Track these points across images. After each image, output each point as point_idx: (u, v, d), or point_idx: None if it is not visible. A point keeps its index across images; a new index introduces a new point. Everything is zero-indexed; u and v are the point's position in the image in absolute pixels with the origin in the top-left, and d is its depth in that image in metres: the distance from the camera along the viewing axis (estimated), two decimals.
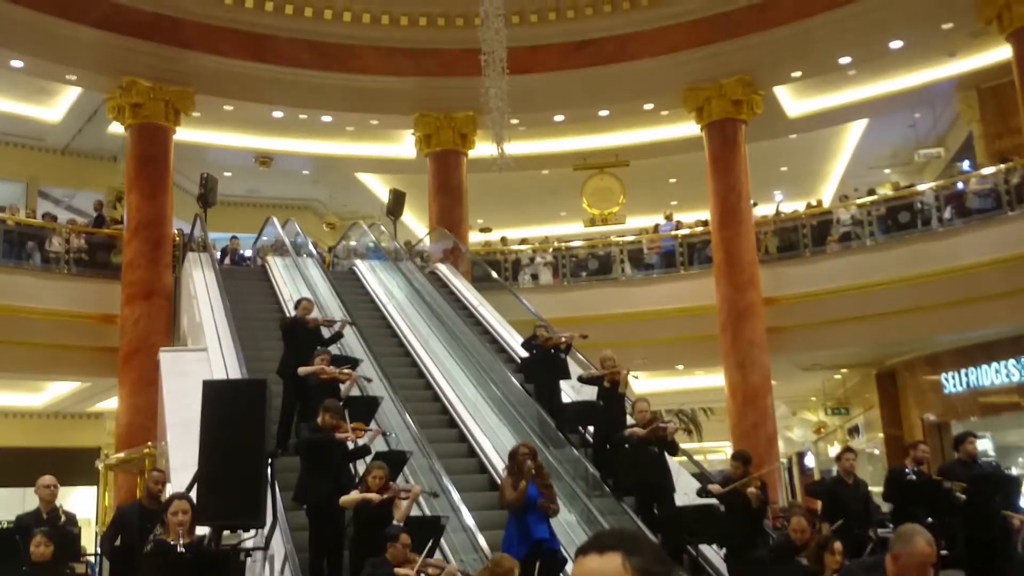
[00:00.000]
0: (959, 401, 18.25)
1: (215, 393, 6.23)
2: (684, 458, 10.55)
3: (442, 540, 8.14)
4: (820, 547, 6.83)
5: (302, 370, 9.78)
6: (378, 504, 7.59)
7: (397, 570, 6.80)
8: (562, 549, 7.96)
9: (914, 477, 8.92)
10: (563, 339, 11.66)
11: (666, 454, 9.65)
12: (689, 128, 18.85)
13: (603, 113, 19.45)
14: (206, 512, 5.95)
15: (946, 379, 18.40)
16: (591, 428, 11.20)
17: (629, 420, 11.00)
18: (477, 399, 11.84)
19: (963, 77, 18.42)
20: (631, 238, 20.59)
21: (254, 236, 18.91)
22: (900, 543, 3.83)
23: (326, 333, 11.19)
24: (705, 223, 19.40)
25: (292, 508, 8.38)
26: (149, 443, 13.40)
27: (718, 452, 20.83)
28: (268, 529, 6.38)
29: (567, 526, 9.08)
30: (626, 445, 9.52)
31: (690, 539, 9.12)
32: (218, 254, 17.49)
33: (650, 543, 1.54)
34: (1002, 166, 16.43)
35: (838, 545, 6.72)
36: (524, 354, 12.14)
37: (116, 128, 18.26)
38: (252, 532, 6.16)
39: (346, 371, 9.88)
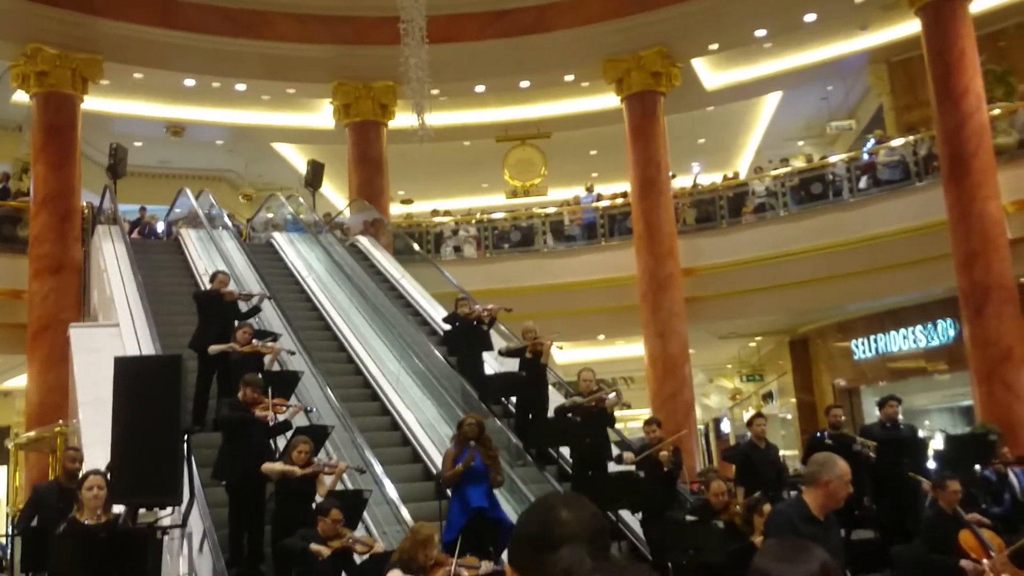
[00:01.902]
0: (868, 367, 18.89)
1: (128, 369, 6.08)
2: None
3: (365, 513, 8.13)
4: (750, 509, 7.04)
5: (212, 349, 9.58)
6: (299, 478, 7.52)
7: (331, 544, 6.78)
8: (506, 516, 8.00)
9: (830, 441, 9.21)
10: (486, 312, 11.67)
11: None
12: (609, 100, 18.95)
13: (524, 84, 19.41)
14: (121, 490, 5.82)
15: (856, 345, 19.01)
16: (514, 399, 11.26)
17: (551, 391, 11.11)
18: (400, 372, 11.81)
19: (874, 50, 18.90)
20: (553, 210, 20.67)
21: (166, 208, 18.45)
22: (827, 470, 4.16)
23: (243, 307, 11.00)
24: (625, 195, 19.58)
25: (210, 484, 8.25)
26: (61, 421, 13.04)
27: (637, 420, 21.18)
28: (185, 506, 6.26)
29: (498, 494, 9.10)
30: (569, 414, 9.60)
31: (611, 505, 9.28)
32: (129, 227, 17.04)
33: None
34: (911, 137, 16.95)
35: (767, 507, 6.93)
36: (447, 327, 12.14)
37: (21, 97, 17.54)
38: (169, 510, 6.04)
39: (269, 344, 9.73)
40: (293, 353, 10.54)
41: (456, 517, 7.76)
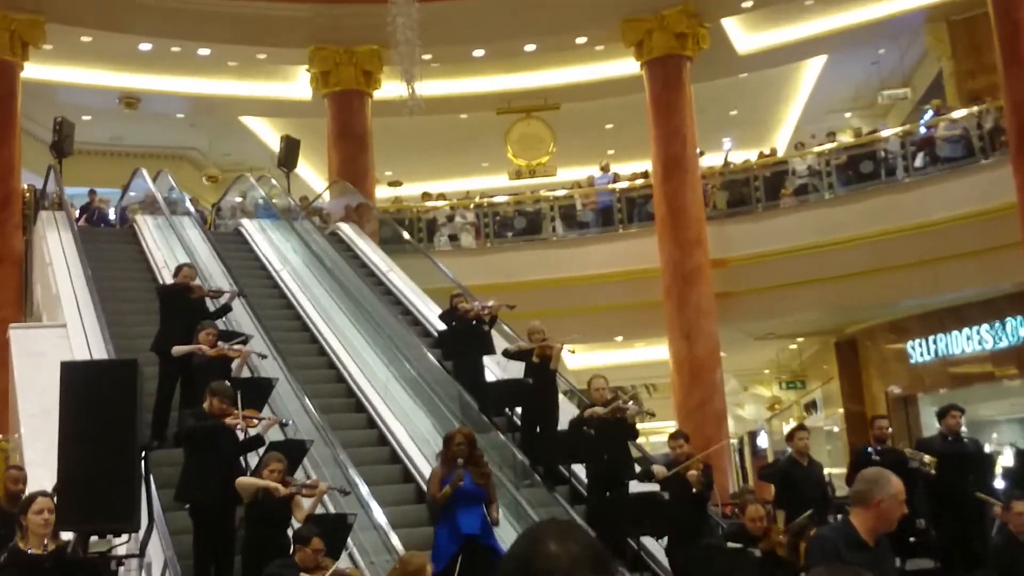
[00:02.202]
0: (926, 371, 18.87)
1: (76, 376, 6.08)
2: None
3: (349, 540, 8.14)
4: (796, 535, 7.05)
5: (176, 350, 9.60)
6: (275, 500, 7.52)
7: None
8: (500, 544, 8.02)
9: (877, 457, 9.20)
10: (486, 309, 11.67)
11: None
12: (628, 66, 18.93)
13: (530, 48, 19.40)
14: (69, 515, 5.83)
15: (912, 347, 19.00)
16: (519, 410, 11.27)
17: (562, 400, 11.12)
18: (388, 379, 11.82)
19: (933, 7, 18.84)
20: (563, 192, 20.67)
21: (119, 192, 18.46)
22: (879, 488, 4.16)
23: (212, 307, 11.03)
24: (646, 175, 19.58)
25: (172, 508, 8.26)
26: (0, 435, 13.06)
27: (661, 433, 21.20)
28: (143, 533, 6.27)
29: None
30: (585, 427, 9.60)
31: (631, 530, 9.29)
32: (77, 213, 17.04)
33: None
34: (974, 108, 16.92)
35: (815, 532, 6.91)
36: (442, 327, 12.14)
37: None
38: (124, 537, 6.05)
39: (236, 347, 9.74)
40: (265, 357, 10.56)
41: (445, 545, 7.76)
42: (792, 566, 6.94)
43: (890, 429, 10.09)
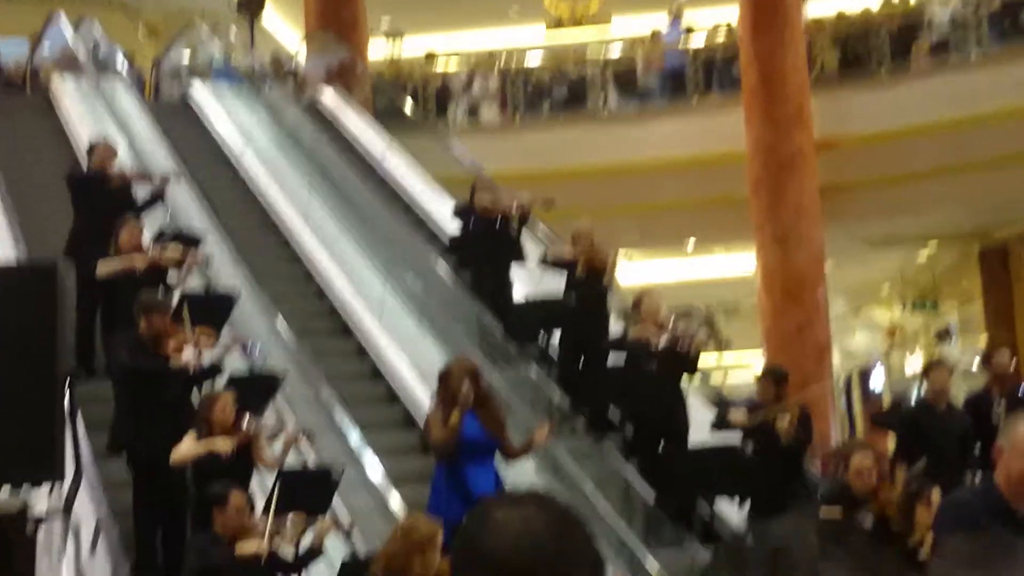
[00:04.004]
0: None
1: None
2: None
3: (337, 500, 8.28)
4: (912, 496, 7.09)
5: (103, 269, 9.64)
6: (230, 454, 7.64)
7: (241, 547, 6.90)
8: None
9: (1001, 412, 9.18)
10: (516, 206, 11.67)
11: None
12: None
13: None
14: None
15: None
16: (557, 336, 11.34)
17: (616, 326, 11.17)
18: (385, 295, 11.90)
19: None
20: (618, 50, 20.45)
21: (28, 44, 18.42)
22: (1003, 436, 4.29)
23: (142, 195, 11.15)
24: (730, 27, 19.35)
25: (106, 457, 8.42)
26: None
27: (743, 368, 21.27)
28: (69, 486, 6.40)
29: (521, 475, 9.27)
30: (636, 360, 9.67)
31: (704, 493, 9.39)
32: None
33: None
34: None
35: (936, 495, 6.96)
36: (456, 228, 12.17)
37: None
38: (44, 490, 6.18)
39: (172, 251, 9.78)
40: (207, 260, 10.57)
41: (449, 508, 7.83)
42: (905, 536, 6.98)
43: (1015, 363, 10.05)
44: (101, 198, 10.52)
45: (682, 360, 9.78)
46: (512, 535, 1.56)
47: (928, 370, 9.77)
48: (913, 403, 10.41)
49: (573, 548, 1.59)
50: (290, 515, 7.18)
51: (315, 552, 7.25)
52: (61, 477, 5.86)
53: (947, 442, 9.21)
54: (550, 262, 11.18)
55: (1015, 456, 4.16)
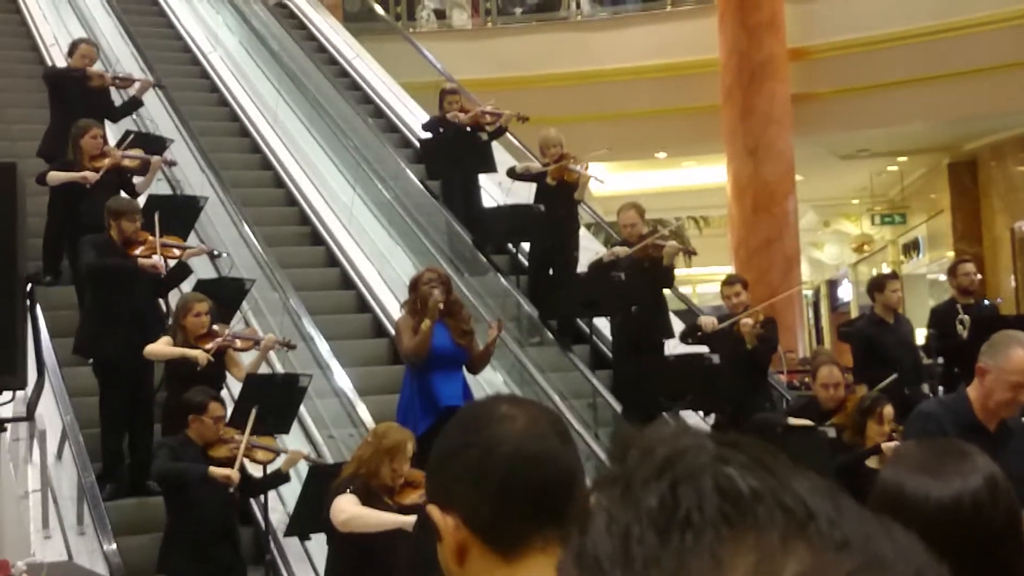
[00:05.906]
0: None
1: None
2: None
3: (302, 409, 8.30)
4: (862, 412, 7.13)
5: (52, 176, 9.48)
6: (206, 363, 7.65)
7: (215, 452, 6.93)
8: None
9: (964, 324, 9.20)
10: (487, 114, 11.59)
11: None
12: None
13: None
14: None
15: None
16: (526, 245, 11.35)
17: (585, 236, 11.17)
18: (354, 203, 11.94)
19: None
20: None
21: None
22: (989, 354, 4.20)
23: (119, 98, 11.04)
24: None
25: (72, 363, 8.40)
26: None
27: (712, 280, 21.35)
28: (32, 391, 6.37)
29: (489, 388, 9.31)
30: (613, 271, 9.66)
31: (668, 401, 9.44)
32: None
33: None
34: None
35: (888, 410, 7.00)
36: (427, 135, 12.10)
37: None
38: (7, 395, 6.15)
39: (132, 154, 9.69)
40: (173, 164, 10.45)
41: (417, 417, 7.89)
42: (851, 450, 7.00)
43: (977, 277, 10.04)
44: (79, 98, 10.39)
45: (656, 273, 9.78)
46: (521, 425, 1.58)
47: (879, 285, 9.64)
48: (865, 318, 10.44)
49: (573, 449, 1.63)
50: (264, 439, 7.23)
51: (282, 476, 7.28)
52: (23, 383, 5.83)
53: (899, 354, 9.23)
54: (519, 174, 11.13)
55: (1000, 383, 4.15)
